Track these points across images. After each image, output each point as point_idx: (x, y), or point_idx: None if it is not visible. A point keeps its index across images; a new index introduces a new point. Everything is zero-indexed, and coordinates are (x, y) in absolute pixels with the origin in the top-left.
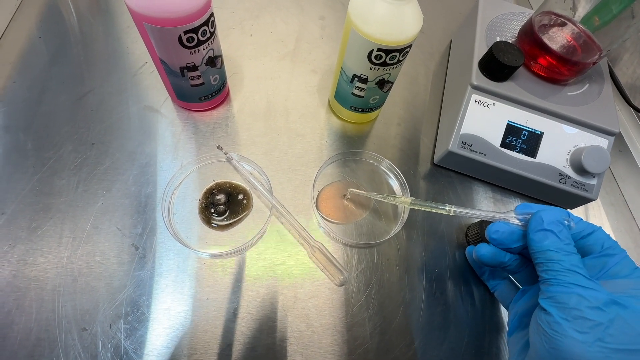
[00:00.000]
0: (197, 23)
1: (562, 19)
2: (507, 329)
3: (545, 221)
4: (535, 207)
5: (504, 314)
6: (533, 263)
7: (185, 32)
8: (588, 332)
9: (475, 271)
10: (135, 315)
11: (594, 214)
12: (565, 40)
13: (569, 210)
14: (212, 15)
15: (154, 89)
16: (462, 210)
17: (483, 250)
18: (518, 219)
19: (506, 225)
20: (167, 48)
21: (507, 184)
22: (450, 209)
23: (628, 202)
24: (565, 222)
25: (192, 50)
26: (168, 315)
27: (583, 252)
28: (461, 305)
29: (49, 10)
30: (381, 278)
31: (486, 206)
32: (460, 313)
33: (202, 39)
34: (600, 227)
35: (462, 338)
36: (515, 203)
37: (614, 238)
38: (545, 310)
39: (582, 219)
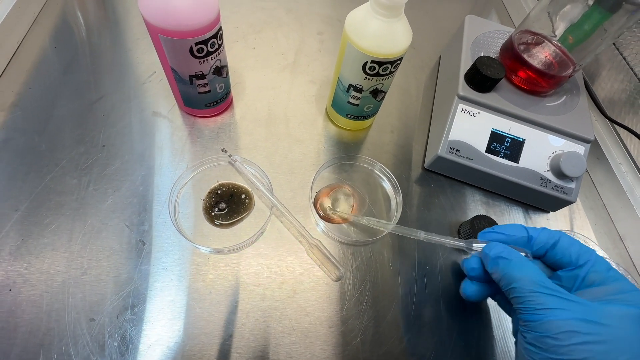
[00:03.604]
0: (207, 35)
1: (539, 37)
2: (512, 329)
3: (490, 255)
4: (489, 235)
5: (491, 309)
6: None
7: (196, 44)
8: (561, 356)
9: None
10: (141, 306)
11: (577, 217)
12: (542, 56)
13: (550, 221)
14: (220, 28)
15: (162, 96)
16: (435, 237)
17: (468, 290)
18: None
19: (480, 261)
20: (178, 57)
21: (493, 188)
22: (421, 235)
23: (606, 206)
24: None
25: (201, 60)
26: (172, 307)
27: (554, 266)
28: (451, 300)
29: (64, 23)
30: (375, 274)
31: (474, 208)
32: (450, 308)
33: (210, 50)
34: (561, 234)
35: (452, 332)
36: (500, 206)
37: (594, 240)
38: (522, 334)
39: (545, 228)
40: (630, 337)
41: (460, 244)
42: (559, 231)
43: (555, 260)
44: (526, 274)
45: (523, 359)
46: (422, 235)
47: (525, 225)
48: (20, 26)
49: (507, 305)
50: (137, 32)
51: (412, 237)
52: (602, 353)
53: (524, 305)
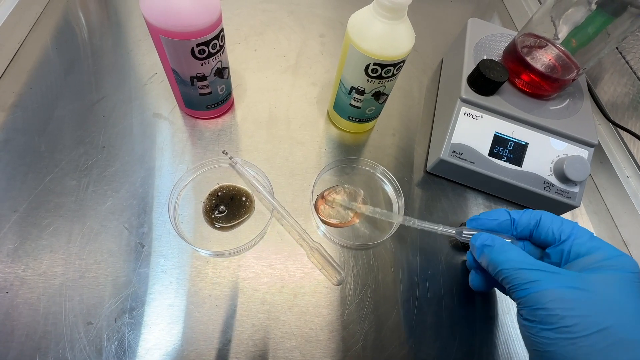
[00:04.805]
0: (208, 37)
1: (542, 40)
2: None
3: (476, 245)
4: (475, 222)
5: (494, 313)
6: None
7: (198, 45)
8: (553, 328)
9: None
10: (139, 310)
11: (580, 222)
12: (545, 59)
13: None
14: (222, 30)
15: (163, 97)
16: (427, 225)
17: (474, 281)
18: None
19: None
20: (179, 59)
21: (495, 191)
22: (415, 223)
23: (610, 210)
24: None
25: (203, 62)
26: (171, 310)
27: (542, 245)
28: (453, 305)
29: (66, 24)
30: (376, 278)
31: (476, 212)
32: (452, 313)
33: (212, 51)
34: (543, 213)
35: (454, 337)
36: None
37: None
38: (519, 313)
39: (527, 209)
40: (615, 299)
41: (451, 231)
42: (541, 211)
43: (541, 239)
44: (509, 256)
45: (524, 337)
46: (415, 223)
47: (508, 210)
48: (21, 26)
49: None
50: (138, 33)
51: (405, 225)
52: (589, 316)
53: (512, 284)
